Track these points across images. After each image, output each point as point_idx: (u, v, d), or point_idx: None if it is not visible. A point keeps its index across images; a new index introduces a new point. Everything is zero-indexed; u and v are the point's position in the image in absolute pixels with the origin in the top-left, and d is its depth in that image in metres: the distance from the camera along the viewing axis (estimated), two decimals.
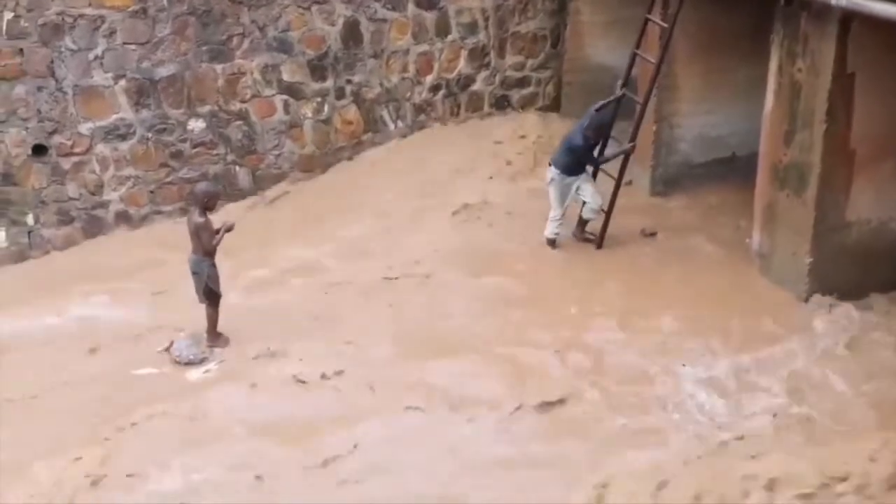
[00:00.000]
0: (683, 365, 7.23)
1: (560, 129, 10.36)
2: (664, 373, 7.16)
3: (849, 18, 7.14)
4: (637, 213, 9.42)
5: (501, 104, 11.17)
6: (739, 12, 8.89)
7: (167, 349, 7.61)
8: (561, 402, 6.82)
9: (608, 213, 8.94)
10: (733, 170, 9.74)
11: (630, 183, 9.51)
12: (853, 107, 7.49)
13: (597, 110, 8.72)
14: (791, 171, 7.91)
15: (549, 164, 8.90)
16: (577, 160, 8.73)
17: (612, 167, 9.01)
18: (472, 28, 10.75)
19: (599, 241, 8.99)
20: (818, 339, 7.50)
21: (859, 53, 7.30)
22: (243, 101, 9.92)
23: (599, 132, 8.74)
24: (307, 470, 6.25)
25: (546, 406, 6.80)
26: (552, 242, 8.95)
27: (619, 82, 9.12)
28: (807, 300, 7.90)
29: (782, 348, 7.40)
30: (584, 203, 8.88)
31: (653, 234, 9.20)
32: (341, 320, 7.92)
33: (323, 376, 7.10)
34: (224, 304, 7.61)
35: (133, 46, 9.35)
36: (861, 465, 5.88)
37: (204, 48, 9.62)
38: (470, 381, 7.07)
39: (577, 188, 8.82)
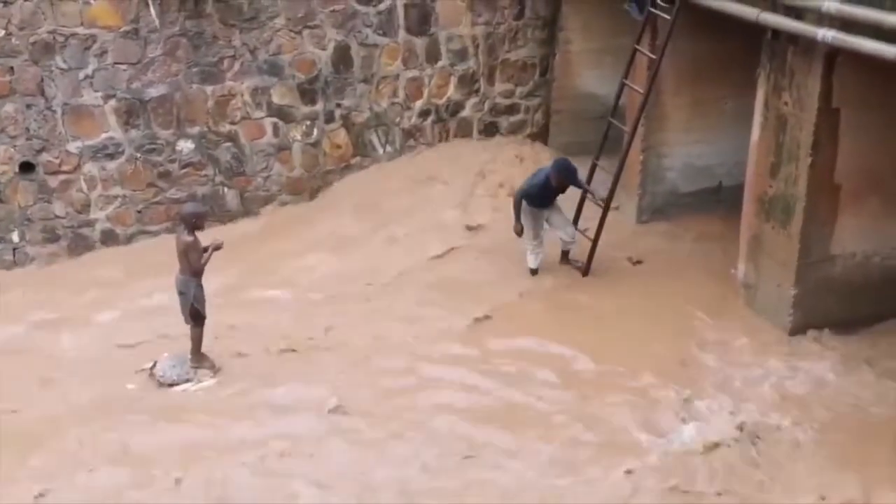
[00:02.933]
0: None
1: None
2: (642, 399, 7.20)
3: (834, 54, 7.23)
4: (623, 241, 9.46)
5: (490, 131, 11.21)
6: (727, 44, 8.96)
7: (151, 369, 7.58)
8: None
9: (595, 241, 8.97)
10: (720, 200, 9.81)
11: (617, 208, 9.57)
12: (838, 141, 7.56)
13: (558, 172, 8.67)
14: (777, 203, 7.98)
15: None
16: (543, 195, 8.74)
17: (599, 196, 9.06)
18: (462, 55, 10.82)
19: (585, 269, 9.01)
20: (797, 372, 7.52)
21: (845, 89, 7.38)
22: (233, 123, 9.94)
23: (564, 180, 8.71)
24: None
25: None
26: (534, 272, 8.96)
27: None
28: (791, 332, 7.94)
29: (760, 379, 7.42)
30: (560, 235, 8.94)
31: (639, 263, 9.24)
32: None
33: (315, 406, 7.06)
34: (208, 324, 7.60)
35: (124, 66, 9.36)
36: None
37: (194, 69, 9.64)
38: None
39: (547, 218, 8.84)
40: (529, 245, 8.90)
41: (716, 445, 6.66)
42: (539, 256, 8.95)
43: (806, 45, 7.41)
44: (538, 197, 8.72)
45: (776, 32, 7.65)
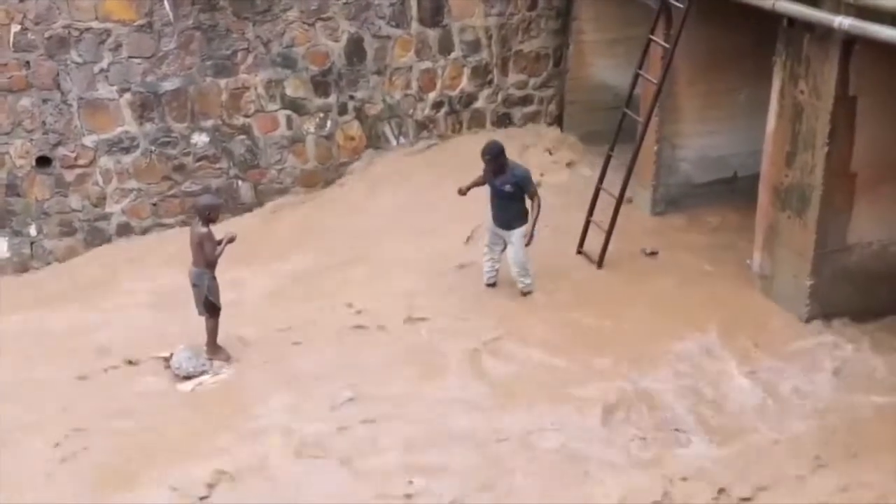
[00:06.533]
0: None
1: None
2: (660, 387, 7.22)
3: (851, 42, 7.18)
4: (638, 232, 9.42)
5: (503, 122, 11.20)
6: (742, 33, 8.92)
7: (166, 361, 7.62)
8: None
9: (608, 233, 8.94)
10: (735, 190, 9.76)
11: (631, 201, 9.54)
12: (855, 130, 7.51)
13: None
14: (792, 192, 7.94)
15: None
16: (494, 199, 8.18)
17: (613, 186, 9.03)
18: (475, 46, 10.80)
19: (599, 261, 8.98)
20: (814, 361, 7.50)
21: (861, 77, 7.33)
22: (247, 116, 9.96)
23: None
24: None
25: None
26: (489, 286, 8.47)
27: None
28: (807, 322, 7.90)
29: (772, 369, 7.41)
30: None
31: (653, 254, 9.20)
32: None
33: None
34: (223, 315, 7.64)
35: (138, 60, 9.40)
36: None
37: (208, 63, 9.67)
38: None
39: (505, 244, 8.29)
40: (484, 255, 8.48)
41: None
42: (490, 274, 8.45)
43: (822, 33, 7.36)
44: (493, 201, 8.19)
45: (792, 20, 7.60)
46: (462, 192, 8.36)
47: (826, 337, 7.77)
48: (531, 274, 8.37)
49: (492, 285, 8.50)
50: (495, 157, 8.06)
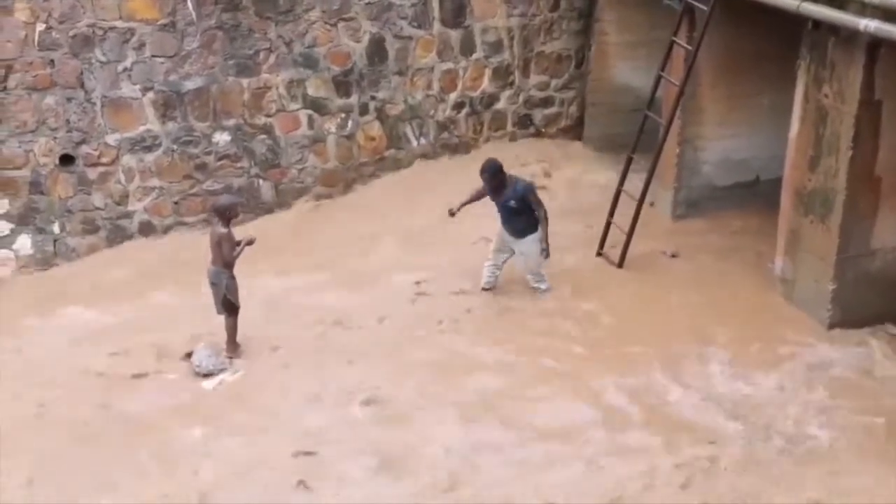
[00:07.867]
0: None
1: None
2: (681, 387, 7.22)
3: (877, 45, 7.11)
4: (659, 234, 9.39)
5: (525, 123, 11.18)
6: (765, 35, 8.85)
7: (187, 359, 7.66)
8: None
9: (629, 234, 8.91)
10: (757, 194, 9.70)
11: (652, 204, 9.49)
12: (880, 134, 7.44)
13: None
14: (815, 196, 7.87)
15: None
16: (502, 214, 8.08)
17: (634, 188, 8.99)
18: (496, 47, 10.79)
19: (620, 261, 8.95)
20: (829, 367, 7.45)
21: (887, 80, 7.26)
22: (268, 116, 10.00)
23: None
24: None
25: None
26: (484, 290, 8.37)
27: None
28: (829, 327, 7.83)
29: (791, 372, 7.37)
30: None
31: (674, 256, 9.16)
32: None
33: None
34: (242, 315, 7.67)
35: (161, 59, 9.46)
36: None
37: (231, 62, 9.71)
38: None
39: (515, 252, 8.24)
40: (487, 260, 8.41)
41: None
42: (489, 279, 8.37)
43: (847, 36, 7.29)
44: (500, 213, 8.11)
45: (817, 23, 7.54)
46: (452, 214, 8.30)
47: (847, 341, 7.70)
48: (546, 279, 8.36)
49: (488, 290, 8.40)
50: (494, 175, 7.93)
